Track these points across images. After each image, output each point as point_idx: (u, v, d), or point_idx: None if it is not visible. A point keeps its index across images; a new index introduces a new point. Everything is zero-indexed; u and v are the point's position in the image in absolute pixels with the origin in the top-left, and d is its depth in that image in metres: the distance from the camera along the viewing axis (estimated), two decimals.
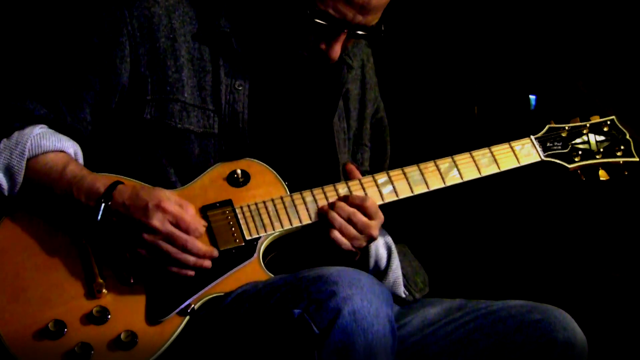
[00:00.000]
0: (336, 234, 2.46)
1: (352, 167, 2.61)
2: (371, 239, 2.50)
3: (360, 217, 2.47)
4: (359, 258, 2.57)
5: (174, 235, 2.33)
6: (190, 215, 2.37)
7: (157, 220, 2.32)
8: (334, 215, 2.47)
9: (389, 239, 2.68)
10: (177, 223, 2.34)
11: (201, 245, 2.37)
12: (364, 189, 2.56)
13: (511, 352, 2.48)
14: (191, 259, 2.36)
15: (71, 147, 2.48)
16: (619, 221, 3.46)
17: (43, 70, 2.54)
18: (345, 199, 2.50)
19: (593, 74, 3.33)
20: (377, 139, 2.87)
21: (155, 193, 2.36)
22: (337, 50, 2.52)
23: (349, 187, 2.55)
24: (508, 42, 3.55)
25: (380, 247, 2.65)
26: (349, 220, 2.47)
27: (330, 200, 2.53)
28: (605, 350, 3.17)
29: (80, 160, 2.50)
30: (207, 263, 2.37)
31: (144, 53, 2.54)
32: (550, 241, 3.56)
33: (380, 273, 2.64)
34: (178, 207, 2.36)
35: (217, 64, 2.58)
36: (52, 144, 2.43)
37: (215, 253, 2.39)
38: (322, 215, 2.49)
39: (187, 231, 2.34)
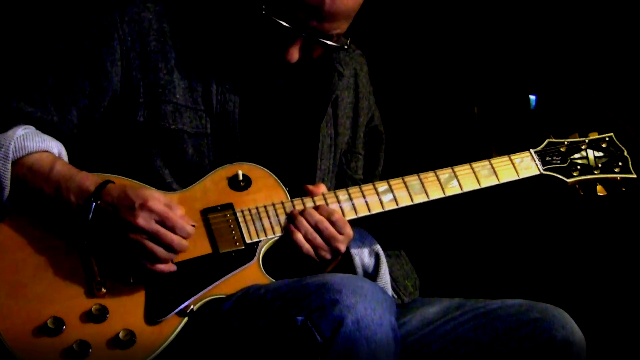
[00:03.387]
0: (299, 236, 2.48)
1: (310, 187, 2.61)
2: (336, 252, 2.52)
3: (327, 226, 2.49)
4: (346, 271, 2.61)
5: (159, 233, 2.34)
6: (178, 214, 2.37)
7: (142, 219, 2.33)
8: (301, 219, 2.50)
9: (378, 247, 2.70)
10: (162, 222, 2.34)
11: (186, 242, 2.37)
12: (364, 196, 2.57)
13: (510, 350, 2.50)
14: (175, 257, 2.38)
15: (55, 147, 2.47)
16: (618, 220, 3.48)
17: (33, 71, 2.53)
18: (316, 208, 2.53)
19: (594, 76, 3.34)
20: (371, 147, 2.89)
21: (142, 192, 2.36)
22: (292, 54, 2.53)
23: (349, 195, 2.57)
24: (508, 42, 3.55)
25: (366, 257, 2.68)
26: (316, 227, 2.49)
27: (331, 206, 2.55)
28: (604, 349, 3.19)
29: (65, 159, 2.50)
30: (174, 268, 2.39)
31: (135, 57, 2.55)
32: (548, 241, 3.57)
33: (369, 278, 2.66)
34: (164, 207, 2.36)
35: (207, 65, 2.60)
36: (36, 144, 2.42)
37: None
38: (291, 219, 2.51)
39: (172, 229, 2.35)
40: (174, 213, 2.36)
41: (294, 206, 2.54)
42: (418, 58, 3.64)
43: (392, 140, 2.96)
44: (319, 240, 2.49)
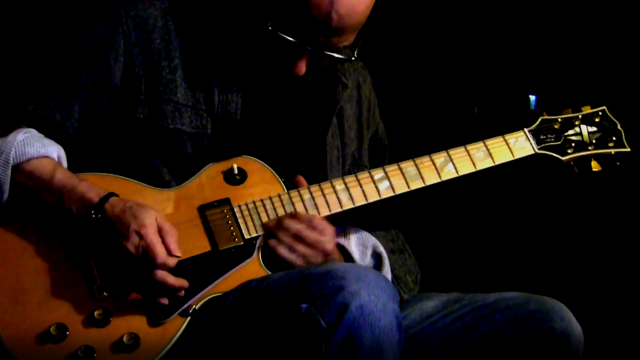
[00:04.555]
0: (283, 251, 2.46)
1: (300, 179, 2.59)
2: (325, 253, 2.50)
3: (308, 234, 2.47)
4: None
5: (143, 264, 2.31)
6: (168, 243, 2.31)
7: (132, 245, 2.30)
8: (281, 234, 2.47)
9: (381, 248, 2.68)
10: (146, 252, 2.29)
11: (170, 278, 2.32)
12: (360, 185, 2.56)
13: (509, 342, 2.51)
14: (160, 289, 2.34)
15: (55, 152, 2.45)
16: (616, 216, 3.49)
17: (34, 67, 2.53)
18: (293, 216, 2.49)
19: (592, 73, 3.34)
20: (375, 160, 2.85)
21: (141, 215, 2.32)
22: (300, 67, 2.52)
23: (345, 184, 2.56)
24: (508, 41, 3.55)
25: (368, 258, 2.67)
26: (297, 236, 2.47)
27: (328, 197, 2.54)
28: (600, 340, 3.20)
29: (64, 163, 2.48)
30: (181, 294, 2.35)
31: (139, 53, 2.55)
32: (542, 236, 3.57)
33: None
34: (155, 236, 2.30)
35: (211, 66, 2.59)
36: (36, 150, 2.40)
37: (186, 284, 2.35)
38: (270, 234, 2.48)
39: (153, 262, 2.29)
40: (160, 245, 2.30)
41: (290, 198, 2.52)
42: (418, 58, 3.64)
43: (393, 140, 2.95)
44: (303, 248, 2.47)
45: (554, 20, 3.48)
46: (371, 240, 2.69)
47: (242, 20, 2.59)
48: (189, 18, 2.61)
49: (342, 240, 2.67)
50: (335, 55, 2.52)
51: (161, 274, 2.32)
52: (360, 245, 2.67)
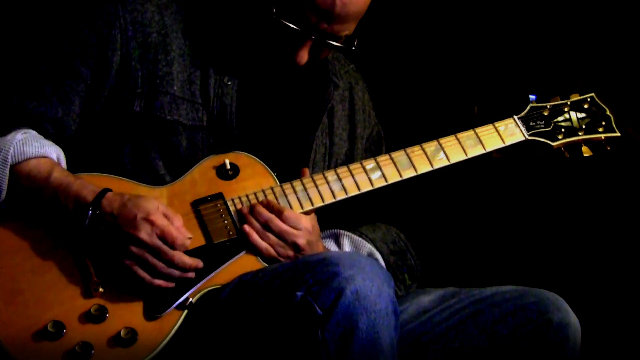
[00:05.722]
0: (255, 237, 2.46)
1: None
2: (296, 247, 2.49)
3: (277, 223, 2.47)
4: None
5: (161, 249, 2.33)
6: (177, 227, 2.37)
7: (145, 233, 2.32)
8: (252, 219, 2.48)
9: (377, 254, 2.69)
10: (164, 237, 2.33)
11: (187, 258, 2.37)
12: (352, 175, 2.57)
13: (506, 335, 2.52)
14: (176, 272, 2.36)
15: (54, 153, 2.47)
16: (611, 209, 3.49)
17: (33, 65, 2.55)
18: (267, 204, 2.50)
19: (593, 75, 3.35)
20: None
21: (143, 204, 2.35)
22: (302, 56, 2.55)
23: (337, 175, 2.57)
24: (508, 41, 3.56)
25: None
26: (266, 225, 2.47)
27: (321, 188, 2.54)
28: (599, 334, 3.20)
29: (63, 164, 2.50)
30: (191, 275, 2.38)
31: (135, 47, 2.58)
32: (540, 229, 3.57)
33: None
34: (165, 220, 2.35)
35: (207, 59, 2.62)
36: (34, 150, 2.42)
37: (201, 264, 2.39)
38: (243, 219, 2.49)
39: (173, 245, 2.34)
40: (174, 227, 2.36)
41: (283, 191, 2.54)
42: (418, 58, 3.65)
43: (392, 141, 2.95)
44: (273, 238, 2.47)
45: (553, 20, 3.49)
46: (366, 247, 2.69)
47: (245, 8, 2.61)
48: (185, 12, 2.65)
49: (334, 249, 2.68)
50: (336, 44, 2.55)
51: (179, 255, 2.35)
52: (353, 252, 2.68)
